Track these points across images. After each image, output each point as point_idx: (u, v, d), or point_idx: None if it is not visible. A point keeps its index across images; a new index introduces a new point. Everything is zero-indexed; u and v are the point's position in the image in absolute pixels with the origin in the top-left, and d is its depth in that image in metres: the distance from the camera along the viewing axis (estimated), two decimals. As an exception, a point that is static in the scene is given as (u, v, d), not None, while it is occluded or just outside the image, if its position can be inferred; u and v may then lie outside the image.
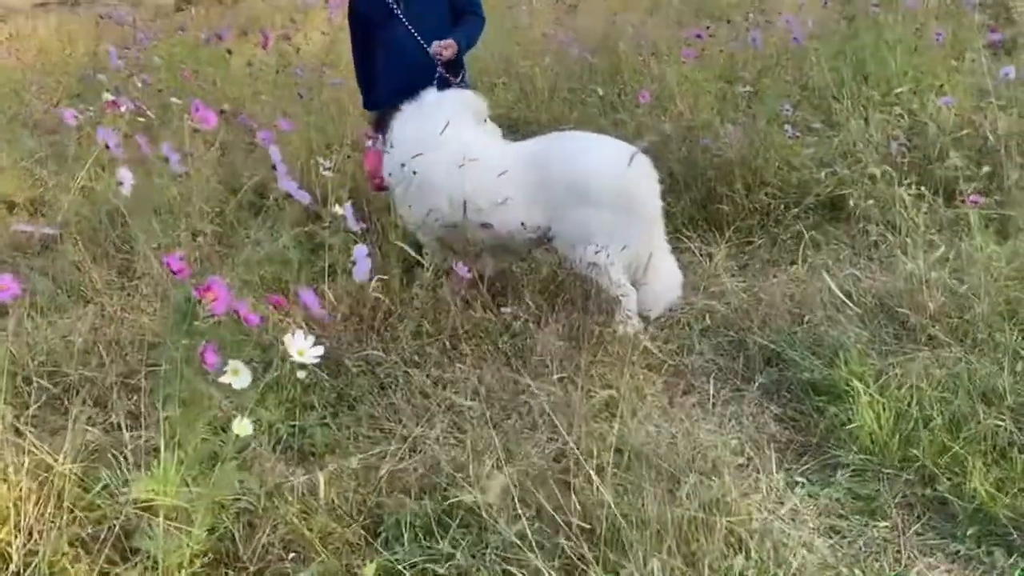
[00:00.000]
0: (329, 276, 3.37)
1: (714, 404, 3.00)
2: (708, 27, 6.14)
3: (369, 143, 4.06)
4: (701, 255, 4.20)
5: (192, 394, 1.93)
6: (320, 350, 1.92)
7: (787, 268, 4.04)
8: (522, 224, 3.38)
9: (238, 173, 4.82)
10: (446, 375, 2.90)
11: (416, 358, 3.06)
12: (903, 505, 2.42)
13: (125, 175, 2.67)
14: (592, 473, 2.03)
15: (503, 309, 3.27)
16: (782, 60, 6.08)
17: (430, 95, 3.71)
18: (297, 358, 1.89)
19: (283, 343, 1.87)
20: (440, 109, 3.59)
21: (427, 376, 2.94)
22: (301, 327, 2.35)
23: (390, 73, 4.01)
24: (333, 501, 2.19)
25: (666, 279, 3.61)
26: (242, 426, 1.83)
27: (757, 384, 3.07)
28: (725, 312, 3.62)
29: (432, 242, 3.60)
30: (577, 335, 3.14)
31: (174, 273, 2.03)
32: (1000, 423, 2.43)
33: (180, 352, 1.86)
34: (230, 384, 1.86)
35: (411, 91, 3.75)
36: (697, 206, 4.63)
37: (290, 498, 2.21)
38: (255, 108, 5.73)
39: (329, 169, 3.41)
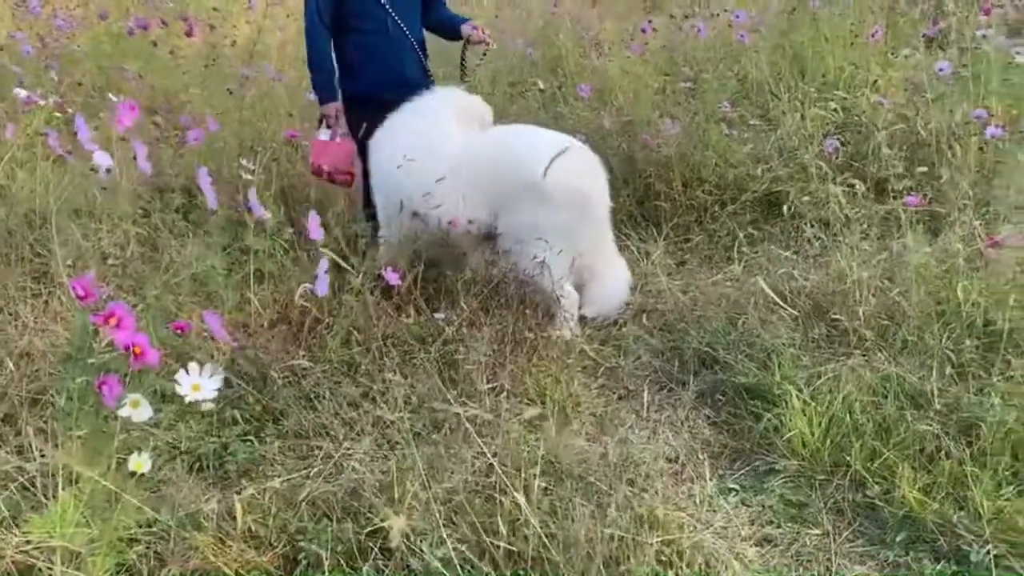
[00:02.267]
0: (256, 281, 3.25)
1: (649, 410, 2.98)
2: (650, 21, 6.09)
3: (324, 135, 3.92)
4: (639, 253, 4.17)
5: (94, 426, 1.81)
6: (218, 381, 1.82)
7: (724, 266, 4.04)
8: (469, 221, 3.37)
9: (165, 172, 4.64)
10: (375, 386, 2.81)
11: (345, 368, 2.96)
12: (835, 511, 2.41)
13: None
14: (516, 494, 1.96)
15: (436, 315, 3.19)
16: (723, 55, 6.08)
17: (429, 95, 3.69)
18: (193, 396, 1.79)
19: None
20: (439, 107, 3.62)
21: (356, 386, 2.84)
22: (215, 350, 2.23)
23: (377, 63, 3.84)
24: (250, 529, 2.09)
25: (616, 280, 3.57)
26: (140, 462, 1.72)
27: (692, 388, 3.05)
28: (662, 312, 3.60)
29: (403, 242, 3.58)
30: (512, 340, 3.08)
31: (79, 299, 1.91)
32: (928, 427, 2.43)
33: (77, 384, 1.74)
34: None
35: (398, 81, 3.77)
36: (635, 203, 4.61)
37: (206, 525, 2.11)
38: (184, 102, 5.53)
39: (252, 172, 3.28)
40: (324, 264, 2.56)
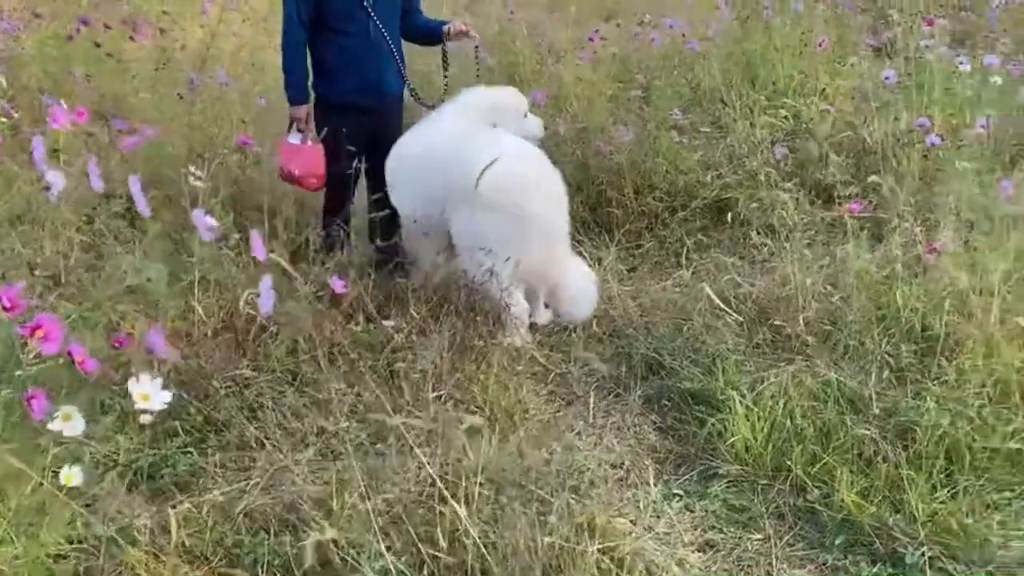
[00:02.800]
0: (201, 289, 3.20)
1: (596, 415, 2.99)
2: (612, 23, 6.12)
3: (294, 138, 3.85)
4: (592, 259, 4.19)
5: (21, 440, 1.77)
6: (167, 396, 1.78)
7: (674, 272, 4.07)
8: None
9: (113, 178, 4.55)
10: (320, 395, 2.78)
11: (290, 377, 2.92)
12: (776, 516, 2.44)
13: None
14: (455, 504, 1.95)
15: (385, 322, 3.17)
16: (675, 62, 6.14)
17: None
18: (142, 404, 1.75)
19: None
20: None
21: (300, 396, 2.81)
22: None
23: (357, 67, 3.78)
24: (184, 543, 2.05)
25: (577, 283, 3.54)
26: (70, 476, 1.68)
27: (639, 393, 3.07)
28: (612, 318, 3.61)
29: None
30: (460, 348, 3.07)
31: (5, 310, 1.86)
32: (866, 432, 2.47)
33: (2, 397, 1.69)
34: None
35: (376, 87, 3.81)
36: (588, 209, 4.62)
37: (139, 539, 2.06)
38: (134, 107, 5.43)
39: (200, 178, 3.23)
40: (267, 281, 2.52)
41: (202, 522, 2.16)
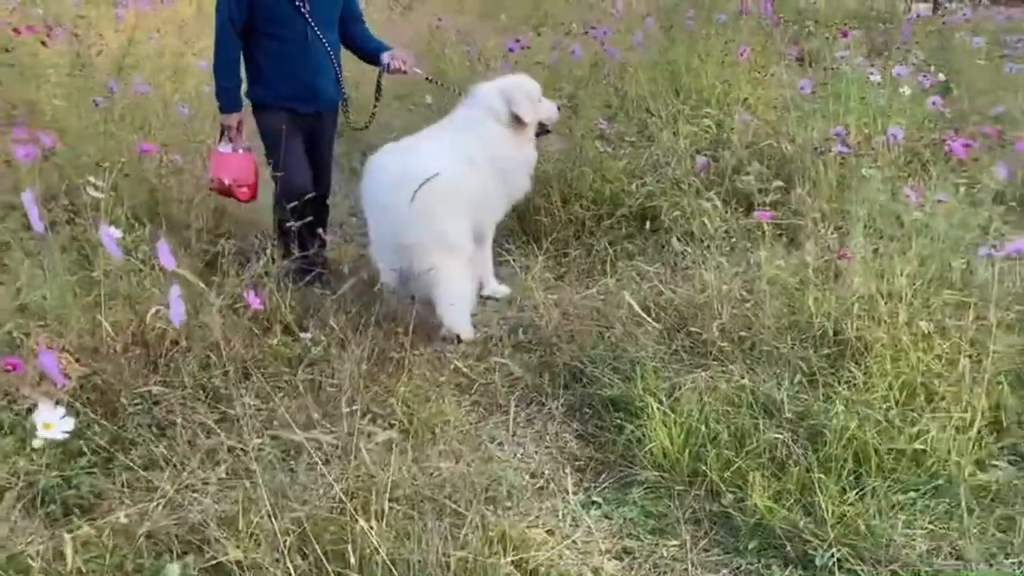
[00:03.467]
0: (108, 303, 3.09)
1: (517, 425, 2.98)
2: (518, 40, 6.14)
3: (224, 147, 3.78)
4: (520, 268, 4.19)
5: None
6: (70, 424, 1.71)
7: (600, 280, 4.09)
8: None
9: (20, 187, 4.38)
10: (233, 411, 2.70)
11: (202, 393, 2.84)
12: (692, 521, 2.46)
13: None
14: (363, 521, 1.91)
15: (302, 334, 3.11)
16: (605, 72, 6.20)
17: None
18: (44, 433, 1.67)
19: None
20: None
21: (212, 412, 2.73)
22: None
23: (294, 73, 3.74)
24: (81, 568, 1.97)
25: (450, 297, 3.45)
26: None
27: (562, 401, 3.07)
28: (537, 327, 3.61)
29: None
30: (381, 360, 3.03)
31: None
32: (778, 436, 2.51)
33: None
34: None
35: (313, 93, 3.80)
36: (516, 218, 4.62)
37: (33, 566, 1.97)
38: (46, 113, 5.25)
39: (99, 188, 3.12)
40: (176, 290, 2.42)
41: (102, 546, 2.08)
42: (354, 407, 2.63)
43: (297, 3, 3.64)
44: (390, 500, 2.13)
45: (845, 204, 3.74)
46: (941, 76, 5.24)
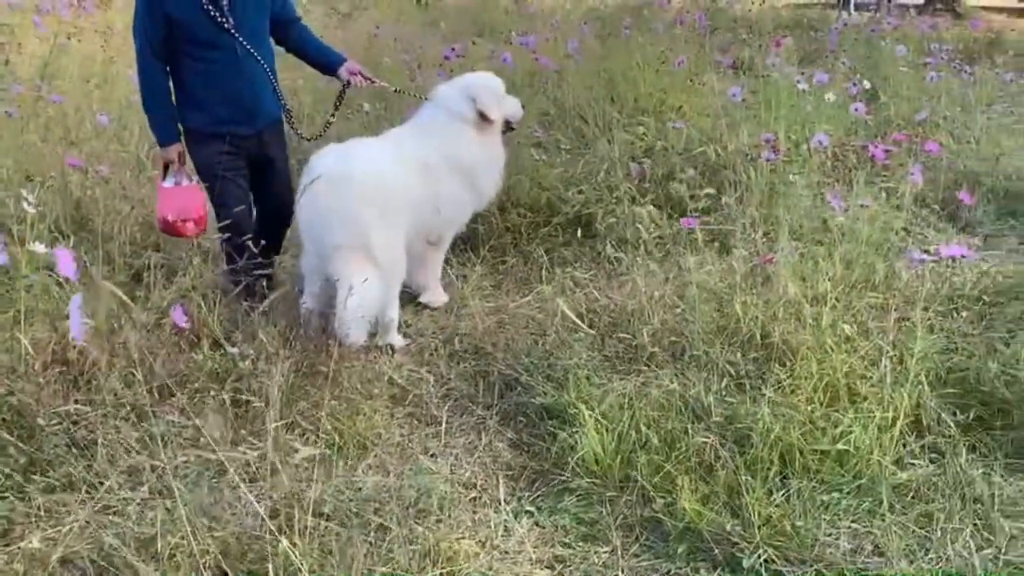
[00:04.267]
0: (27, 320, 2.99)
1: (452, 435, 2.96)
2: (453, 48, 6.14)
3: (169, 181, 3.45)
4: (457, 276, 4.18)
5: None
6: None
7: (536, 287, 4.10)
8: None
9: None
10: (157, 429, 2.63)
11: (126, 411, 2.76)
12: (623, 527, 2.46)
13: None
14: (284, 540, 1.88)
15: (230, 348, 3.04)
16: (543, 80, 6.23)
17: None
18: None
19: None
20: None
21: (136, 431, 2.66)
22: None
23: (228, 93, 3.38)
24: (-14, 598, 1.89)
25: (358, 309, 3.28)
26: None
27: (496, 410, 3.06)
28: (473, 336, 3.60)
29: None
30: (311, 373, 2.98)
31: None
32: (706, 439, 2.54)
33: None
34: None
35: (252, 112, 3.45)
36: (454, 226, 4.60)
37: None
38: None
39: (32, 204, 3.02)
40: (76, 300, 2.34)
41: (13, 572, 2.00)
42: (285, 421, 2.60)
43: (219, 20, 3.28)
44: (315, 516, 2.09)
45: (775, 209, 3.82)
46: (867, 84, 5.39)
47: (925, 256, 2.60)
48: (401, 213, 3.43)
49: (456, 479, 2.67)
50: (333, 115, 3.95)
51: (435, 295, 4.01)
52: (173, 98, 3.44)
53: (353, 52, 7.83)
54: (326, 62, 3.74)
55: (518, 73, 6.04)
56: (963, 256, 2.57)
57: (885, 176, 4.14)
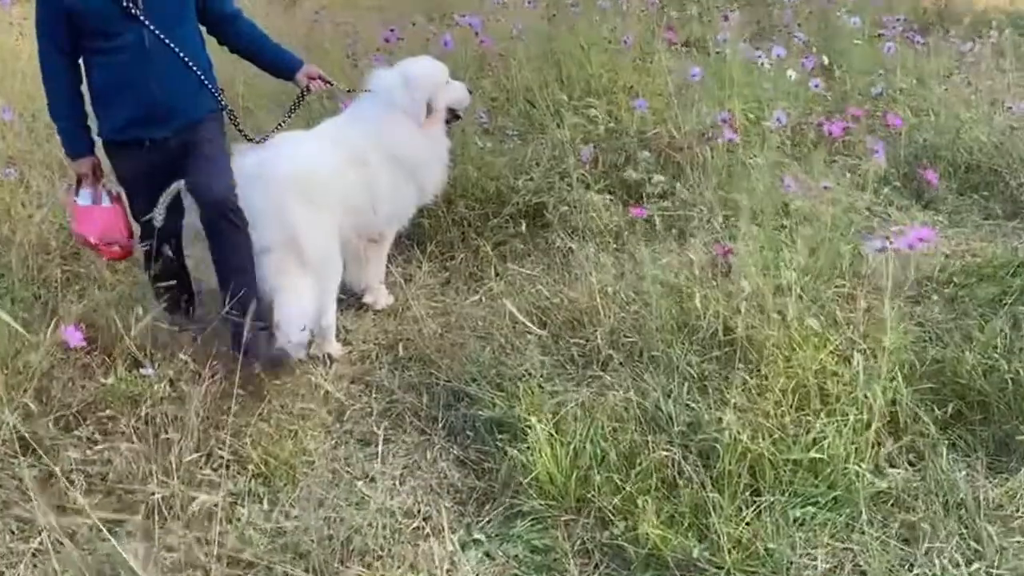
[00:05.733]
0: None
1: (395, 455, 2.71)
2: (392, 29, 5.84)
3: (85, 198, 3.01)
4: (402, 276, 3.91)
5: None
6: None
7: (487, 283, 3.85)
8: None
9: None
10: (59, 466, 2.34)
11: (23, 446, 2.46)
12: (581, 553, 2.24)
13: None
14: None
15: (143, 370, 2.75)
16: (491, 63, 5.96)
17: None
18: None
19: None
20: None
21: (33, 469, 2.37)
22: None
23: (137, 92, 2.89)
24: None
25: (285, 316, 3.04)
26: None
27: (442, 425, 2.81)
28: (417, 342, 3.35)
29: None
30: (236, 392, 2.70)
31: None
32: (668, 452, 2.32)
33: None
34: None
35: (170, 112, 2.95)
36: (396, 221, 4.33)
37: None
38: None
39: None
40: None
41: None
42: (194, 455, 2.33)
43: (125, 4, 2.80)
44: (229, 567, 1.83)
45: (732, 192, 3.61)
46: (824, 58, 5.20)
47: (886, 244, 2.40)
48: (332, 210, 3.17)
49: (396, 507, 2.43)
50: (284, 121, 3.45)
51: (379, 296, 3.75)
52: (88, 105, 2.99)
53: (293, 40, 7.49)
54: (281, 65, 3.28)
55: (463, 57, 5.75)
56: (921, 241, 2.37)
57: (846, 154, 3.95)
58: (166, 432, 2.50)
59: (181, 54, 2.93)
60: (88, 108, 3.00)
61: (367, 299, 3.73)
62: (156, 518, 2.17)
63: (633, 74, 5.59)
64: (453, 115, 3.67)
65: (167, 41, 2.89)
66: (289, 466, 2.49)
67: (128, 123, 2.93)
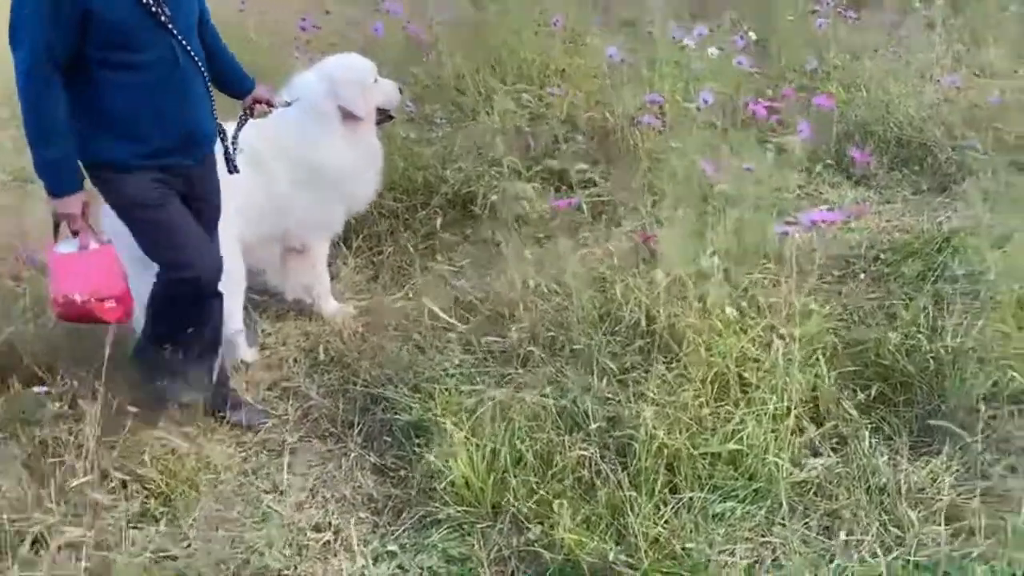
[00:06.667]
0: None
1: (308, 466, 2.59)
2: (304, 18, 5.66)
3: (67, 246, 2.40)
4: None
5: None
6: None
7: (414, 278, 3.74)
8: None
9: None
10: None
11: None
12: (498, 561, 2.15)
13: None
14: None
15: (35, 388, 2.59)
16: (415, 50, 5.81)
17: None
18: None
19: None
20: None
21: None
22: None
23: (166, 111, 2.42)
24: None
25: None
26: None
27: (359, 431, 2.70)
28: (338, 342, 3.23)
29: None
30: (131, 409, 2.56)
31: None
32: (585, 452, 2.24)
33: None
34: None
35: (194, 135, 2.51)
36: (320, 215, 4.19)
37: None
38: None
39: None
40: None
41: None
42: (84, 478, 2.19)
43: (154, 9, 2.32)
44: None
45: (657, 177, 3.54)
46: (754, 35, 5.14)
47: (789, 227, 2.34)
48: (227, 220, 2.83)
49: (304, 521, 2.31)
50: (232, 146, 2.83)
51: (324, 305, 3.45)
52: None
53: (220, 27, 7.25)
54: (237, 81, 2.83)
55: (389, 45, 5.59)
56: (824, 221, 2.32)
57: (776, 133, 3.89)
58: (60, 455, 2.36)
59: (203, 69, 2.51)
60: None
61: (316, 308, 3.47)
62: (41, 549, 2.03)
63: (566, 57, 5.49)
64: (384, 116, 3.44)
65: (194, 56, 2.46)
66: (191, 483, 2.36)
67: (161, 150, 2.46)
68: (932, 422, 2.33)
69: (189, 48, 2.41)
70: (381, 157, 3.45)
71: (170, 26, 2.34)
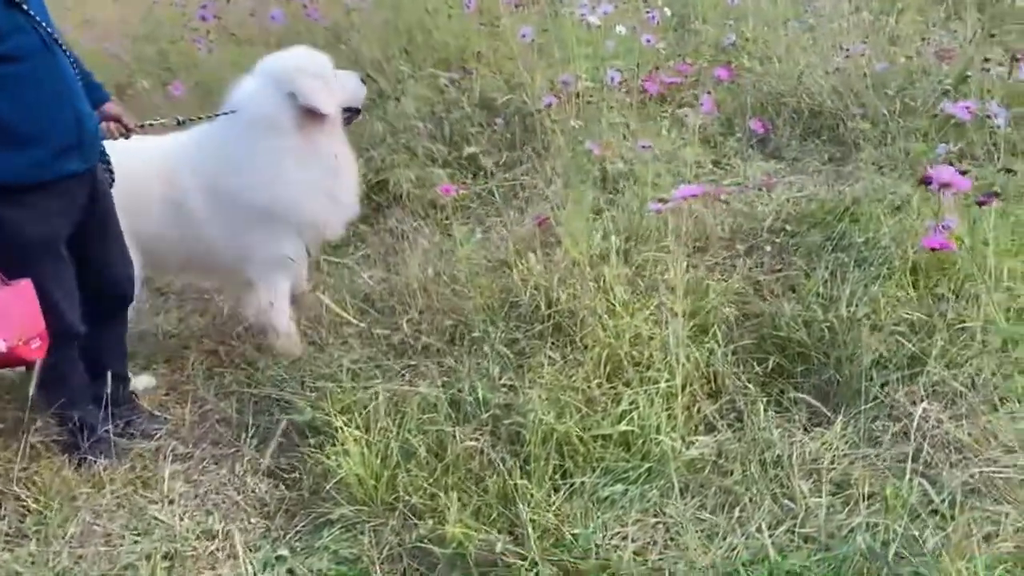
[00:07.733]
0: None
1: (201, 472, 2.51)
2: None
3: None
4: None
5: None
6: None
7: (321, 271, 3.65)
8: None
9: None
10: None
11: None
12: (389, 559, 2.09)
13: None
14: None
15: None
16: (338, 34, 5.69)
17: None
18: None
19: None
20: None
21: None
22: None
23: (48, 108, 2.13)
24: None
25: None
26: None
27: (254, 433, 2.62)
28: (240, 341, 3.14)
29: None
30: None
31: None
32: (475, 442, 2.19)
33: None
34: None
35: (83, 135, 2.20)
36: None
37: None
38: None
39: None
40: None
41: None
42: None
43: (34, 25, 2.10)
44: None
45: (560, 159, 3.49)
46: (667, 11, 5.12)
47: (662, 204, 2.31)
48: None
49: (193, 529, 2.23)
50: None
51: (281, 342, 2.96)
52: None
53: (126, 29, 7.04)
54: (92, 92, 2.43)
55: (298, 32, 5.46)
56: (694, 195, 2.29)
57: (682, 108, 3.87)
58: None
59: (73, 61, 2.23)
60: None
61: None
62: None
63: (482, 39, 5.41)
64: (353, 113, 3.03)
65: (61, 44, 2.18)
66: (70, 497, 2.26)
67: (52, 156, 2.14)
68: (825, 390, 2.33)
69: (51, 31, 2.15)
70: (354, 164, 3.03)
71: (24, 6, 2.08)
